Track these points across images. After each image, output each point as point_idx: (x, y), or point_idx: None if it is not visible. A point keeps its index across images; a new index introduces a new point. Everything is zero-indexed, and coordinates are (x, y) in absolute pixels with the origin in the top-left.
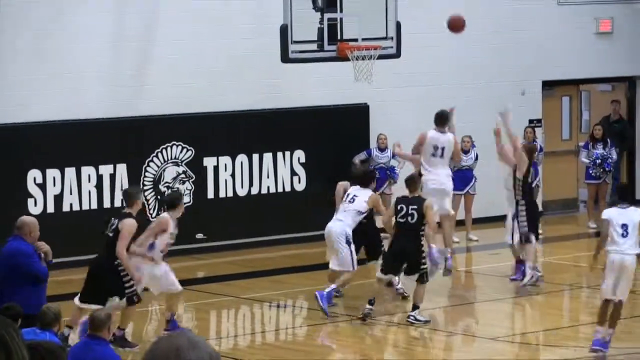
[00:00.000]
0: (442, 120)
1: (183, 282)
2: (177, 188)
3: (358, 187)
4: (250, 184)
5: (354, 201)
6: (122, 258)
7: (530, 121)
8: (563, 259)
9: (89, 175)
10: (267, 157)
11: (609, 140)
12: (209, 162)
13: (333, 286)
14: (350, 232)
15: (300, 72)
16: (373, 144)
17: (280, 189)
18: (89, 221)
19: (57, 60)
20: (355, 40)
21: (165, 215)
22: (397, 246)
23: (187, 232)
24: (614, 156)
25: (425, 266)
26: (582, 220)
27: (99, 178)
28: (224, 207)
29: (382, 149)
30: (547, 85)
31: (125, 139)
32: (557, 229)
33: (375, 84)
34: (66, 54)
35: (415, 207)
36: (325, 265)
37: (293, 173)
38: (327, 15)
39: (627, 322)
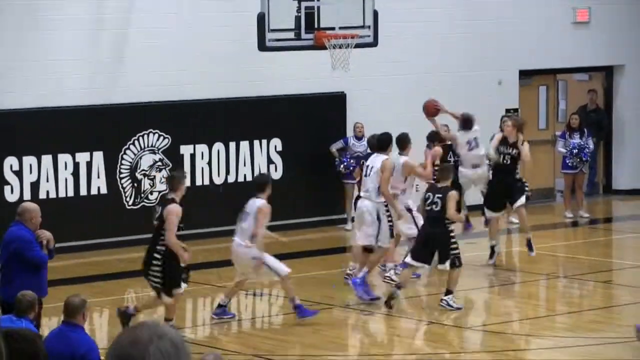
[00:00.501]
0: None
1: None
2: (265, 173)
3: (374, 154)
4: (227, 172)
5: (369, 174)
6: (172, 246)
7: (507, 110)
8: (540, 248)
9: (66, 163)
10: (244, 145)
11: (585, 129)
12: (185, 150)
13: (365, 270)
14: (380, 207)
15: (277, 61)
16: (350, 132)
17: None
18: (66, 208)
19: (34, 48)
20: (333, 28)
21: (262, 201)
22: (425, 234)
23: None
24: (591, 146)
25: (456, 251)
26: (558, 209)
27: (76, 166)
28: (200, 195)
29: (358, 138)
30: (524, 74)
31: (102, 127)
32: (534, 219)
33: (352, 73)
34: (43, 43)
35: (440, 195)
36: (301, 254)
37: (270, 161)
38: (304, 4)
39: (601, 312)
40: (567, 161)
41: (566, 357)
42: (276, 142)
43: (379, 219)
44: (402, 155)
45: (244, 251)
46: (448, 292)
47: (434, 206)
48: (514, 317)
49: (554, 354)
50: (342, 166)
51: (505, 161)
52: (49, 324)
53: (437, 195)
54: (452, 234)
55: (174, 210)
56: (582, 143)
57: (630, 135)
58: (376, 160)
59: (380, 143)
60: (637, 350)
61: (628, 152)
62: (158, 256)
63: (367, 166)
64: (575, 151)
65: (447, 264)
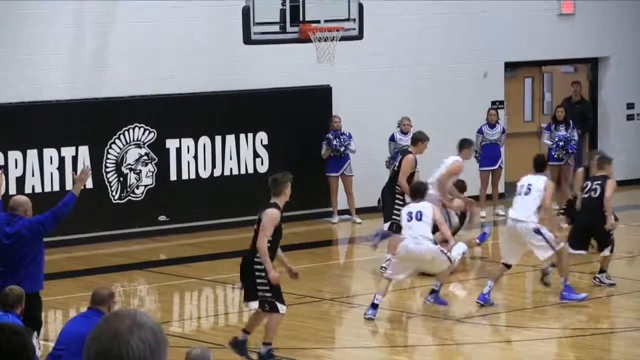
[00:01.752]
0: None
1: (146, 264)
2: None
3: (531, 175)
4: (213, 166)
5: (529, 192)
6: (260, 252)
7: (493, 103)
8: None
9: (51, 157)
10: (230, 139)
11: (571, 121)
12: (171, 144)
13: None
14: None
15: (262, 54)
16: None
17: (242, 171)
18: (51, 203)
19: (18, 42)
20: (318, 21)
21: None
22: (582, 221)
23: (149, 214)
24: (576, 138)
25: (611, 237)
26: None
27: (61, 160)
28: (186, 189)
29: (335, 130)
30: (510, 66)
31: (88, 121)
32: None
33: (337, 66)
34: (27, 36)
35: (599, 182)
36: (287, 247)
37: (256, 155)
38: None
39: (590, 302)
40: (553, 153)
41: (554, 348)
42: (262, 136)
43: (537, 231)
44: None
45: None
46: (602, 270)
47: (592, 193)
48: (501, 308)
49: (541, 345)
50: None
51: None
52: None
53: (595, 182)
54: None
55: (271, 214)
56: (568, 135)
57: (615, 126)
58: (536, 180)
59: (537, 165)
60: (625, 340)
61: (613, 143)
62: (258, 261)
63: (522, 185)
64: (561, 143)
65: (607, 250)
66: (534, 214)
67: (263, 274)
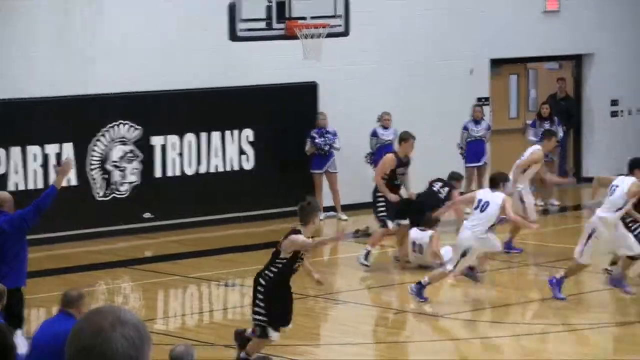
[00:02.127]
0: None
1: (131, 262)
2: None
3: (622, 177)
4: (199, 163)
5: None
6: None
7: (478, 99)
8: (507, 237)
9: (35, 155)
10: (216, 135)
11: (555, 118)
12: (156, 141)
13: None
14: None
15: (248, 51)
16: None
17: (228, 168)
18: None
19: (1, 38)
20: (304, 18)
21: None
22: None
23: (134, 211)
24: (561, 134)
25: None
26: None
27: (45, 157)
28: (171, 186)
29: (320, 128)
30: (495, 63)
31: (72, 118)
32: None
33: (324, 63)
34: (11, 33)
35: None
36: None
37: (241, 152)
38: None
39: (571, 298)
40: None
41: (536, 344)
42: (248, 133)
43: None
44: None
45: None
46: None
47: None
48: (485, 305)
49: (524, 341)
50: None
51: None
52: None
53: None
54: None
55: (295, 239)
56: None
57: (599, 123)
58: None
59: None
60: (606, 334)
61: (597, 139)
62: (263, 282)
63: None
64: None
65: None
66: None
67: (261, 297)
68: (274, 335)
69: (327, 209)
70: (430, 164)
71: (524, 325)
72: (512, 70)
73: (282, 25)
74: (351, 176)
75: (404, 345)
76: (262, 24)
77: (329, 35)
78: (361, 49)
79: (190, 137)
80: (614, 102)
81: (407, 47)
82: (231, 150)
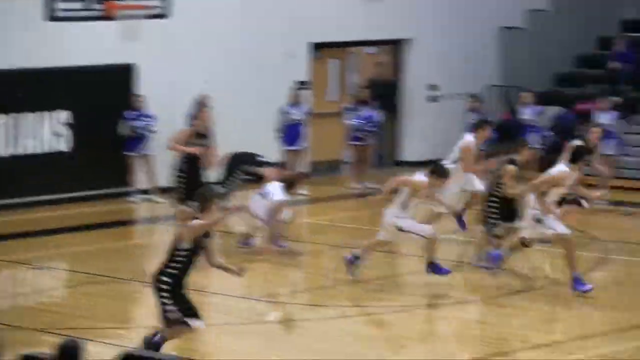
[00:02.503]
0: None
1: None
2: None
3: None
4: (14, 144)
5: None
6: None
7: (299, 83)
8: (325, 219)
9: None
10: (29, 117)
11: (374, 102)
12: None
13: None
14: None
15: (66, 31)
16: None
17: (43, 150)
18: None
19: None
20: None
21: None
22: None
23: None
24: (379, 118)
25: None
26: (345, 181)
27: None
28: None
29: (137, 110)
30: (315, 47)
31: None
32: (322, 190)
33: (143, 44)
34: None
35: None
36: (90, 226)
37: (56, 134)
38: None
39: (385, 281)
40: (355, 133)
41: (351, 326)
42: (63, 114)
43: None
44: None
45: None
46: None
47: None
48: (300, 287)
49: (339, 323)
50: None
51: None
52: None
53: None
54: None
55: (192, 224)
56: (370, 115)
57: (417, 107)
58: None
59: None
60: (421, 316)
61: (415, 124)
62: (165, 280)
63: None
64: (363, 123)
65: None
66: None
67: (167, 295)
68: (197, 323)
69: (142, 192)
70: (250, 146)
71: (339, 308)
72: (332, 54)
73: (101, 6)
74: (167, 159)
75: (228, 327)
76: (81, 4)
77: (149, 16)
78: (181, 31)
79: (3, 118)
80: (432, 87)
81: (228, 31)
82: (46, 132)
